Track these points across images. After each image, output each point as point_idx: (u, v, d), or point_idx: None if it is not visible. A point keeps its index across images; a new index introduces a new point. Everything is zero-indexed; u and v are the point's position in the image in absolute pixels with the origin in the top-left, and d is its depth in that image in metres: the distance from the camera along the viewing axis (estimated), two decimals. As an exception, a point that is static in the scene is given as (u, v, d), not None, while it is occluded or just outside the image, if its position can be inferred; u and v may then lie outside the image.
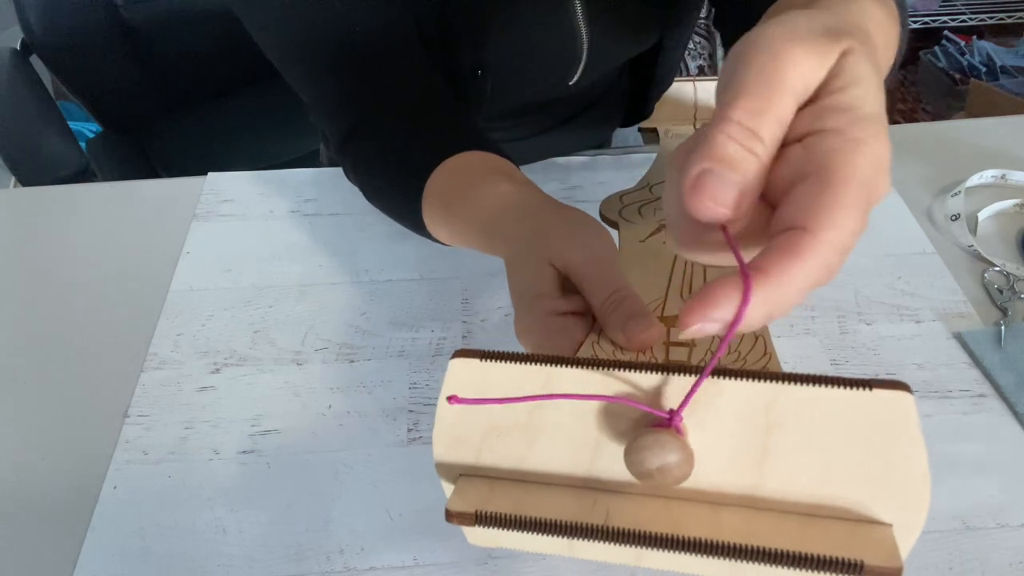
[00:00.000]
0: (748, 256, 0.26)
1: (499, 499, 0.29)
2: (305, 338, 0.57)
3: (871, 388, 0.26)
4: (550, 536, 0.27)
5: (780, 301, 0.24)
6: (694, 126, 0.75)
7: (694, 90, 0.80)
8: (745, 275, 0.25)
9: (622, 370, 0.29)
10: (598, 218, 0.44)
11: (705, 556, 0.25)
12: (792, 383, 0.27)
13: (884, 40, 0.34)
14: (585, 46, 0.64)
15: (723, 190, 0.25)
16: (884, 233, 0.63)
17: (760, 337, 0.36)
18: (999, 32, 2.07)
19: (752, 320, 0.25)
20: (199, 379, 0.54)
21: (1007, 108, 1.72)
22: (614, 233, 0.45)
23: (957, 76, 1.94)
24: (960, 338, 0.54)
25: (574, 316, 0.36)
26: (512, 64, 0.64)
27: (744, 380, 0.27)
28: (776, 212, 0.26)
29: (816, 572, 0.24)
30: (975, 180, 0.67)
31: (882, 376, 0.52)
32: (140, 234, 0.67)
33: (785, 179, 0.26)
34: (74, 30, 1.15)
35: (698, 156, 0.25)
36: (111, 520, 0.46)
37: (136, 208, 0.71)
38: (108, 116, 1.25)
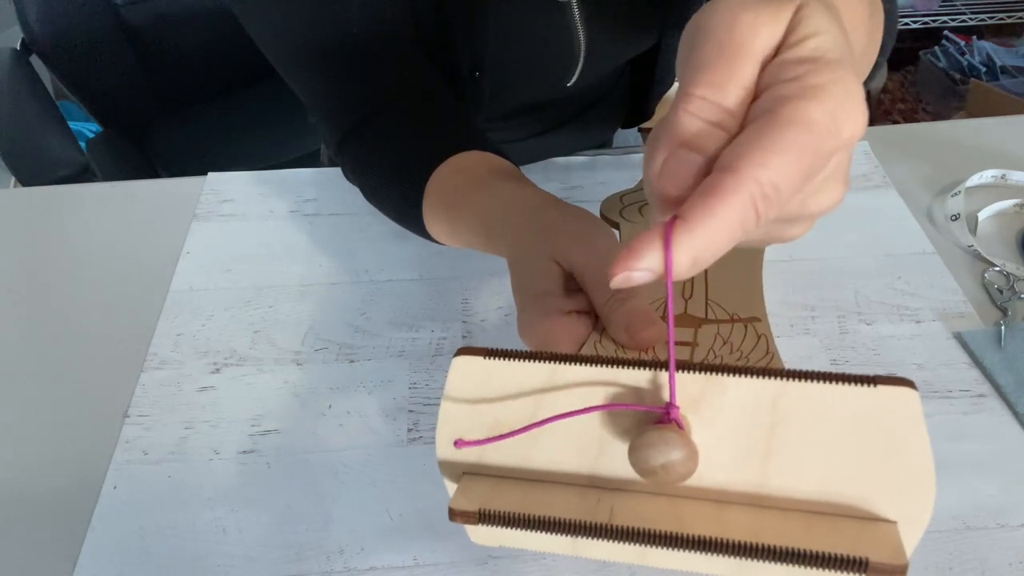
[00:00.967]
0: None
1: (502, 497, 0.29)
2: (305, 338, 0.57)
3: (875, 384, 0.26)
4: (554, 535, 0.27)
5: (704, 245, 0.24)
6: None
7: None
8: (667, 223, 0.24)
9: (624, 367, 0.29)
10: (598, 218, 0.44)
11: (710, 554, 0.25)
12: (796, 380, 0.27)
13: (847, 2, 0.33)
14: (583, 48, 0.64)
15: (688, 172, 0.25)
16: (884, 233, 0.63)
17: (763, 336, 0.36)
18: (999, 32, 2.07)
19: (679, 266, 0.24)
20: (199, 379, 0.54)
21: (1007, 108, 1.72)
22: (615, 233, 0.45)
23: (957, 76, 1.94)
24: (960, 338, 0.54)
25: (577, 314, 0.36)
26: (510, 65, 0.64)
27: (748, 377, 0.27)
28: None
29: (821, 569, 0.24)
30: (975, 180, 0.67)
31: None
32: (140, 234, 0.67)
33: None
34: (74, 30, 1.15)
35: (663, 141, 0.25)
36: (111, 520, 0.46)
37: (136, 208, 0.71)
38: (108, 116, 1.25)
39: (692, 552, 0.25)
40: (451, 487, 0.32)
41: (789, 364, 0.53)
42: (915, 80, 2.09)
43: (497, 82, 0.64)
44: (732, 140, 0.25)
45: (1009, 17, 1.99)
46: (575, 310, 0.36)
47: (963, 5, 2.00)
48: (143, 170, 1.22)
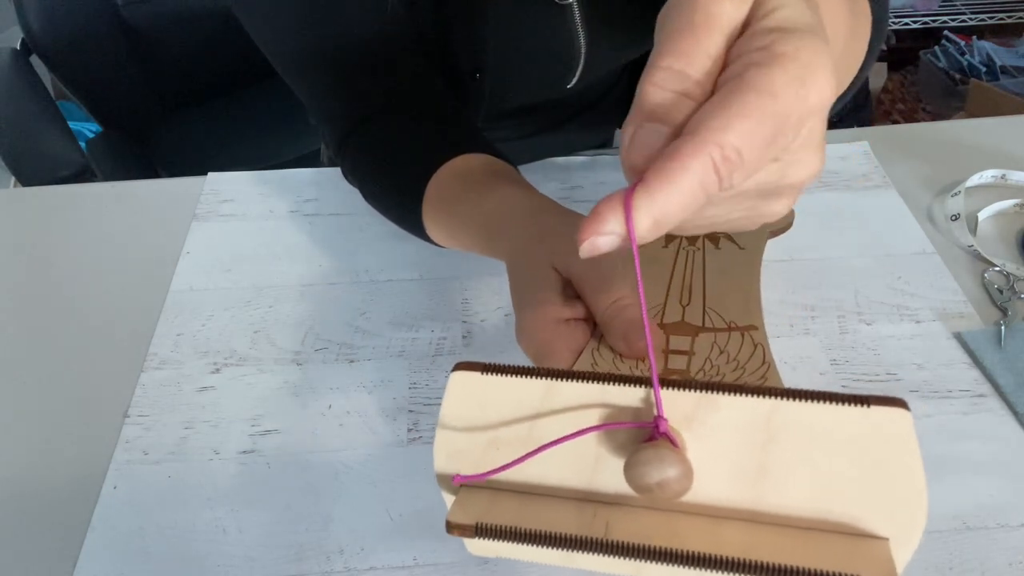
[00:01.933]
0: None
1: (500, 511, 0.29)
2: (305, 338, 0.57)
3: (868, 405, 0.26)
4: (550, 548, 0.27)
5: (665, 209, 0.24)
6: None
7: None
8: (629, 188, 0.25)
9: (618, 384, 0.29)
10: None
11: (704, 570, 0.25)
12: (789, 399, 0.27)
13: None
14: (583, 50, 0.64)
15: (655, 143, 0.25)
16: (884, 233, 0.63)
17: (759, 345, 0.36)
18: (999, 32, 2.07)
19: (641, 229, 0.24)
20: (199, 379, 0.54)
21: (1007, 108, 1.72)
22: None
23: (957, 76, 1.93)
24: (960, 338, 0.54)
25: (575, 322, 0.36)
26: (510, 66, 0.64)
27: (741, 396, 0.27)
28: None
29: None
30: (975, 180, 0.67)
31: (882, 377, 0.52)
32: (140, 234, 0.67)
33: None
34: (74, 30, 1.15)
35: (632, 114, 0.26)
36: (111, 520, 0.46)
37: (136, 208, 0.71)
38: (108, 116, 1.25)
39: (687, 568, 0.26)
40: (448, 499, 0.32)
41: (789, 364, 0.53)
42: (915, 80, 2.09)
43: (497, 83, 0.64)
44: (695, 108, 0.25)
45: (1009, 17, 1.99)
46: (573, 318, 0.36)
47: (963, 5, 2.00)
48: (143, 170, 1.22)
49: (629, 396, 0.28)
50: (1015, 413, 0.50)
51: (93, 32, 1.16)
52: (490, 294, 0.60)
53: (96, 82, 1.20)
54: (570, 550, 0.27)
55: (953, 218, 0.64)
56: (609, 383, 0.29)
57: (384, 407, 0.52)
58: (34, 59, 1.16)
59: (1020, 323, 0.55)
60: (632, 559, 0.26)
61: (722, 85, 0.25)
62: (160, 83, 1.27)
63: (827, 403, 0.26)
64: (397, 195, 0.53)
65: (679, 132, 0.25)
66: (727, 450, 0.28)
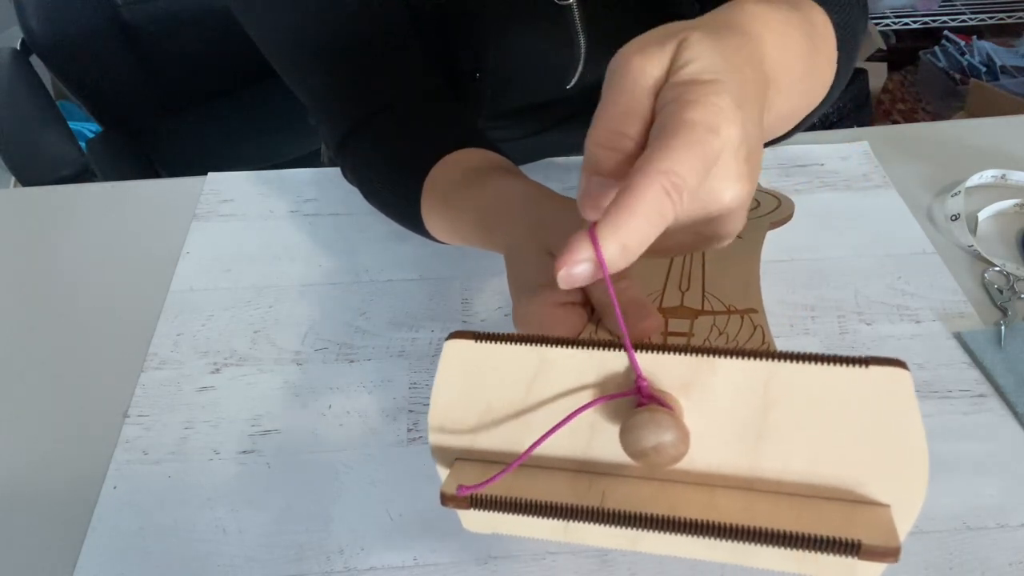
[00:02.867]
0: None
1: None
2: (305, 338, 0.57)
3: (867, 365, 0.26)
4: (546, 519, 0.27)
5: (629, 234, 0.27)
6: None
7: None
8: (593, 223, 0.28)
9: (610, 349, 0.29)
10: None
11: (702, 537, 0.25)
12: (787, 361, 0.27)
13: (772, 29, 0.37)
14: (583, 50, 0.64)
15: (602, 194, 0.30)
16: (884, 233, 0.63)
17: (759, 327, 0.36)
18: (999, 32, 2.07)
19: (611, 256, 0.28)
20: (199, 379, 0.54)
21: (1007, 108, 1.72)
22: None
23: (957, 76, 1.93)
24: (960, 338, 0.54)
25: (572, 306, 0.36)
26: (510, 66, 0.64)
27: (738, 359, 0.27)
28: None
29: (814, 552, 0.24)
30: (975, 180, 0.67)
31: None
32: (140, 234, 0.67)
33: None
34: (74, 30, 1.15)
35: (583, 170, 0.32)
36: (111, 520, 0.46)
37: (136, 208, 0.71)
38: (108, 116, 1.25)
39: (685, 536, 0.25)
40: (443, 472, 0.32)
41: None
42: (915, 80, 2.09)
43: (498, 83, 0.64)
44: (635, 159, 0.29)
45: (1009, 17, 1.99)
46: (570, 302, 0.37)
47: (963, 5, 2.00)
48: (143, 170, 1.22)
49: (622, 361, 0.28)
50: (1015, 413, 0.50)
51: (93, 32, 1.16)
52: (490, 294, 0.60)
53: (96, 82, 1.20)
54: (566, 520, 0.27)
55: (953, 218, 0.64)
56: (601, 348, 0.29)
57: (384, 407, 0.52)
58: (34, 59, 1.16)
59: (1020, 323, 0.55)
60: (629, 528, 0.26)
61: (653, 133, 0.29)
62: (160, 83, 1.27)
63: (826, 365, 0.26)
64: (396, 191, 0.53)
65: (622, 180, 0.29)
66: (725, 415, 0.27)
